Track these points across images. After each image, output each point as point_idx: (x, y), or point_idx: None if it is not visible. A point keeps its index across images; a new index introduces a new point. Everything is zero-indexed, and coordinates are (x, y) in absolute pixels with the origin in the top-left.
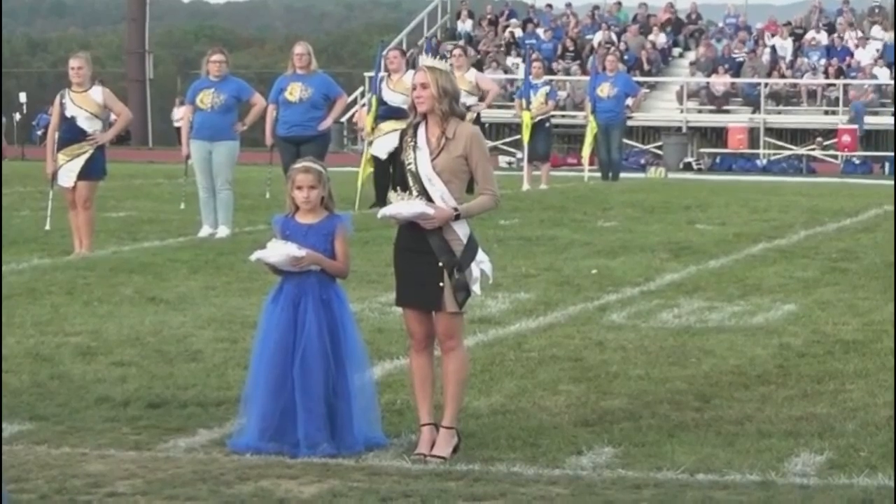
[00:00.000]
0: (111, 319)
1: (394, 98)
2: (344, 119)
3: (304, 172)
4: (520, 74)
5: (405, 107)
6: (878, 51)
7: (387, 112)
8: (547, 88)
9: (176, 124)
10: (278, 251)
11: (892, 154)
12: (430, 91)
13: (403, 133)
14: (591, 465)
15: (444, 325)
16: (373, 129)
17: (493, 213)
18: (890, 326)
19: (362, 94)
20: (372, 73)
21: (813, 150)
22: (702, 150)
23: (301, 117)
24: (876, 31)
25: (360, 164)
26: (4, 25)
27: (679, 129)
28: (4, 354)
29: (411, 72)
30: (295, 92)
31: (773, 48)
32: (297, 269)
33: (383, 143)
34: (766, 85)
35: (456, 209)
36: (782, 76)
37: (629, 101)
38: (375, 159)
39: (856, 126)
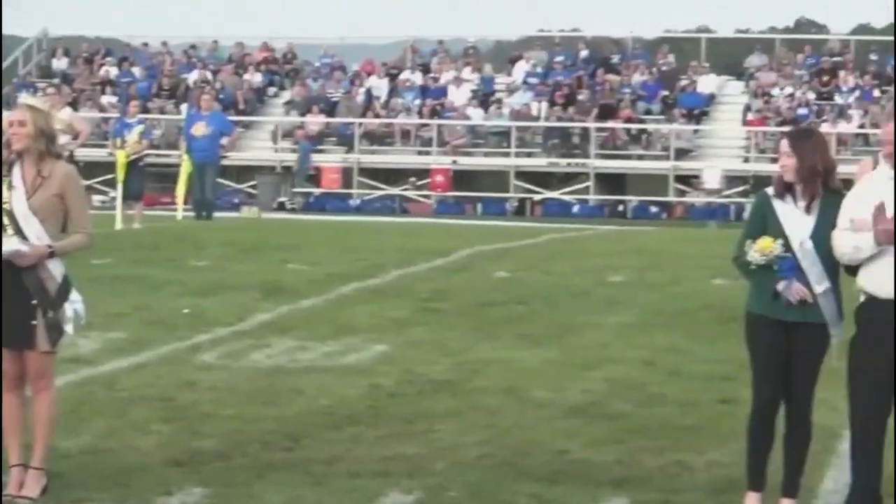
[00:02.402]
0: None
1: None
2: None
3: None
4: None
5: None
6: (472, 91)
7: None
8: (141, 127)
9: None
10: None
11: (482, 194)
12: (28, 129)
13: None
14: None
15: (35, 365)
16: None
17: (86, 253)
18: (480, 366)
19: None
20: None
21: (406, 189)
22: (295, 189)
23: None
24: (466, 72)
25: None
26: None
27: (273, 168)
28: None
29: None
30: None
31: (369, 89)
32: None
33: None
34: (361, 125)
35: (51, 247)
36: (377, 116)
37: (224, 141)
38: None
39: (306, 165)
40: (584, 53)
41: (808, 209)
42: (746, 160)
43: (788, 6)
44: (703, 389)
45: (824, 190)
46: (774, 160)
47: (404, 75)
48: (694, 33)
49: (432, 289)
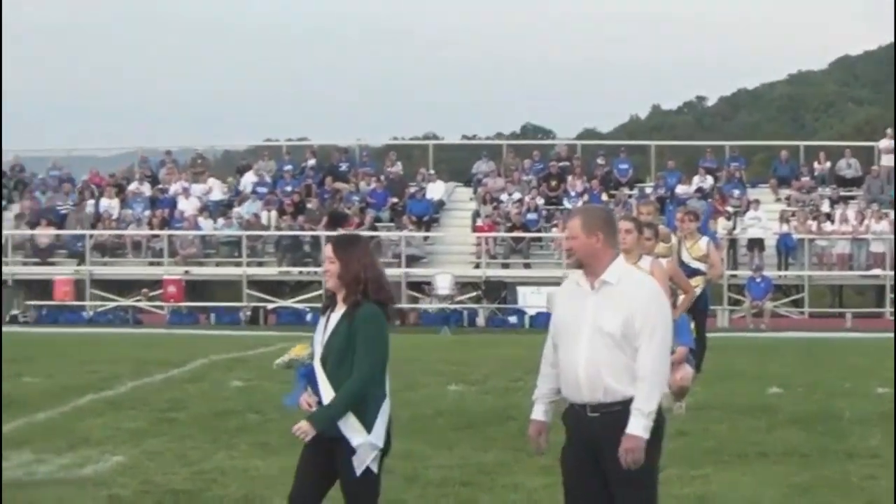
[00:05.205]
0: None
1: None
2: None
3: None
4: None
5: None
6: (199, 199)
7: None
8: None
9: None
10: None
11: (215, 304)
12: None
13: None
14: None
15: None
16: None
17: None
18: (217, 475)
19: None
20: None
21: (139, 300)
22: (28, 302)
23: None
24: (197, 183)
25: None
26: None
27: (6, 281)
28: None
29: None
30: None
31: (98, 200)
32: None
33: None
34: (91, 237)
35: None
36: (107, 228)
37: None
38: None
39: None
40: (311, 162)
41: (348, 317)
42: (477, 266)
43: (514, 112)
44: (441, 494)
45: (364, 299)
46: (505, 265)
47: (133, 186)
48: (421, 140)
49: (168, 399)
